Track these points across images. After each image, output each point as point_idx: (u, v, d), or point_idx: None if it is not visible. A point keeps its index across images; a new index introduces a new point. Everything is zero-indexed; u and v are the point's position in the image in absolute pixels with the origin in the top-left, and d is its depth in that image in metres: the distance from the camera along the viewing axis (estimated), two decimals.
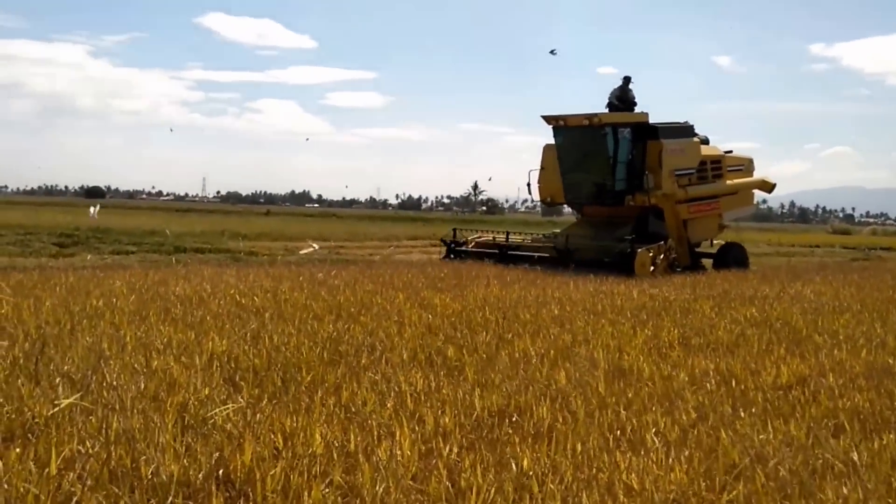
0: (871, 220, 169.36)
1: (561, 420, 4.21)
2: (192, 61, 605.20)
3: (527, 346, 6.36)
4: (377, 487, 3.13)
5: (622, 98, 17.85)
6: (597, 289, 11.10)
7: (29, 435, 3.55)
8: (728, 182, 18.53)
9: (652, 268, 15.08)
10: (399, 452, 3.54)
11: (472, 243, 18.21)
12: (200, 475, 3.20)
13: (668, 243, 16.12)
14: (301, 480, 3.18)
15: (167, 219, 42.11)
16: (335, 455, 3.50)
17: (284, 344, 5.97)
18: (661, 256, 15.61)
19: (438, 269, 13.79)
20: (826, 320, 8.26)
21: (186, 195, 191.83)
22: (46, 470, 3.09)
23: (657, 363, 5.84)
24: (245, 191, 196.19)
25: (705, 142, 18.49)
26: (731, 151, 19.39)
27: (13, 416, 3.74)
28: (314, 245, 23.43)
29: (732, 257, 18.23)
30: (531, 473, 3.36)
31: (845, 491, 3.25)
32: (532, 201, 20.07)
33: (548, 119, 17.52)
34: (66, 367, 4.77)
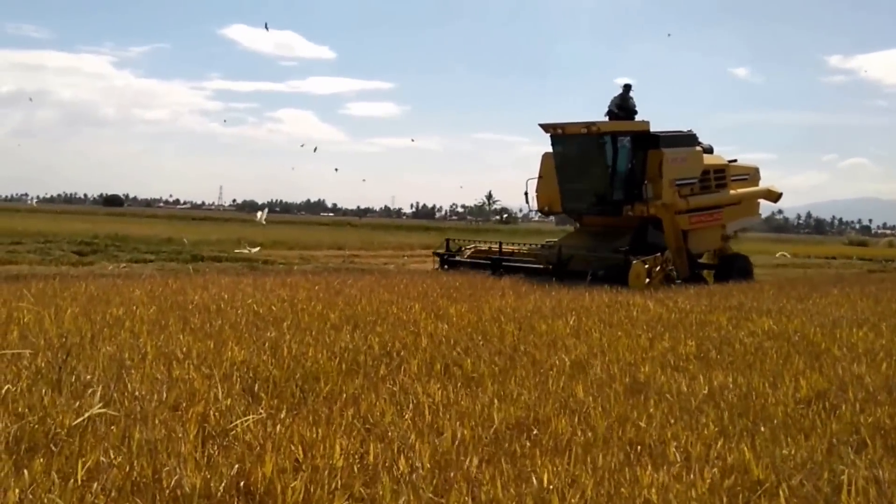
0: (888, 231, 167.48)
1: (580, 433, 4.19)
2: (213, 71, 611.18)
3: (543, 358, 6.35)
4: (398, 501, 3.14)
5: (622, 106, 17.52)
6: (612, 300, 11.07)
7: (52, 445, 3.58)
8: (732, 192, 18.13)
9: (648, 280, 14.63)
10: (419, 465, 3.54)
11: (467, 254, 17.83)
12: (222, 487, 3.22)
13: (665, 255, 15.66)
14: (322, 493, 3.19)
15: (184, 227, 42.48)
16: (355, 468, 3.51)
17: (302, 354, 5.99)
18: (658, 268, 15.14)
19: (453, 278, 13.80)
20: (844, 333, 8.17)
21: (203, 203, 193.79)
22: (71, 480, 3.12)
23: (675, 376, 5.80)
24: (261, 199, 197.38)
25: (709, 151, 18.11)
26: (735, 160, 18.96)
27: (36, 425, 3.78)
28: (251, 249, 23.82)
29: (736, 269, 17.75)
30: (552, 488, 3.34)
31: None
32: (530, 210, 19.88)
33: (546, 127, 17.19)
34: (88, 377, 4.81)
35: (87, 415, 3.81)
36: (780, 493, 3.36)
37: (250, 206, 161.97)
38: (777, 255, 36.34)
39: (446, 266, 17.46)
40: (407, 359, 6.05)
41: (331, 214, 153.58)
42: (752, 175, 19.39)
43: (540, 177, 18.05)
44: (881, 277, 21.40)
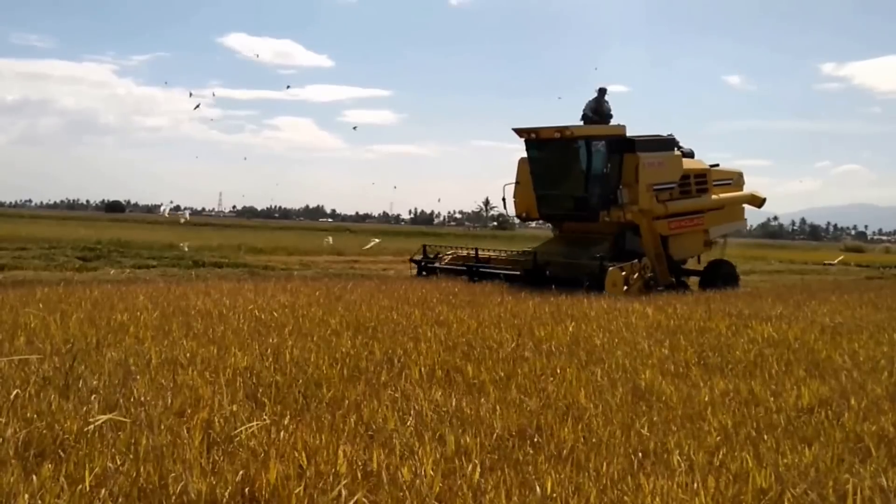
0: (884, 237, 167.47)
1: (583, 441, 4.20)
2: (213, 79, 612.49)
3: (544, 365, 6.36)
4: None
5: (597, 110, 17.29)
6: (611, 306, 11.07)
7: (60, 451, 3.61)
8: (714, 197, 17.81)
9: (625, 287, 14.30)
10: (422, 472, 3.55)
11: (446, 259, 17.51)
12: (227, 493, 3.24)
13: (643, 261, 15.35)
14: (326, 500, 3.20)
15: (185, 233, 42.45)
16: (358, 474, 3.52)
17: (304, 360, 6.01)
18: (636, 275, 14.82)
19: (452, 284, 13.82)
20: (845, 340, 8.18)
21: (203, 209, 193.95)
22: (80, 486, 3.15)
23: (676, 383, 5.81)
24: (260, 205, 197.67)
25: (689, 155, 17.80)
26: (717, 165, 18.68)
27: (44, 431, 3.80)
28: (185, 246, 24.26)
29: (721, 276, 17.46)
30: (555, 496, 3.36)
31: None
32: (507, 216, 19.66)
33: (519, 132, 16.86)
34: (94, 382, 4.83)
35: (97, 422, 3.82)
36: (785, 502, 3.37)
37: (250, 213, 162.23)
38: (834, 263, 35.60)
39: (424, 273, 17.17)
40: (408, 365, 6.07)
41: (330, 220, 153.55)
42: (735, 179, 19.06)
43: (517, 182, 17.74)
44: (880, 284, 21.39)
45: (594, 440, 4.21)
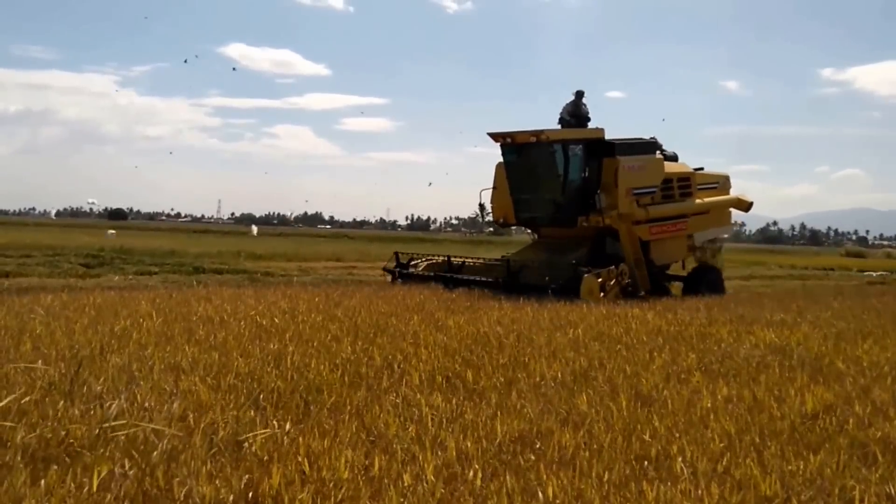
0: (885, 242, 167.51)
1: (584, 447, 4.19)
2: (213, 89, 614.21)
3: (544, 371, 6.35)
4: None
5: (574, 113, 16.86)
6: (610, 311, 11.07)
7: (66, 456, 3.61)
8: (698, 201, 17.39)
9: (602, 294, 13.90)
10: (424, 478, 3.56)
11: (422, 266, 16.97)
12: (231, 498, 3.25)
13: (621, 267, 14.88)
14: None
15: (185, 240, 42.55)
16: (360, 480, 3.53)
17: (305, 366, 6.02)
18: (612, 281, 14.40)
19: (450, 290, 13.81)
20: (848, 346, 8.15)
21: (203, 217, 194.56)
22: (86, 489, 3.15)
23: (678, 389, 5.80)
24: (259, 212, 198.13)
25: (673, 158, 17.40)
26: (702, 168, 18.26)
27: (50, 436, 3.81)
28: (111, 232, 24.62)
29: (705, 282, 17.01)
30: (557, 502, 3.36)
31: None
32: (484, 222, 19.29)
33: (495, 136, 16.33)
34: (99, 388, 4.85)
35: (103, 426, 3.83)
36: None
37: (248, 219, 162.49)
38: (875, 274, 35.41)
39: (400, 279, 16.57)
40: (408, 371, 6.07)
41: (328, 227, 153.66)
42: (721, 183, 18.61)
43: (494, 187, 17.32)
44: (882, 290, 21.32)
45: (595, 446, 4.20)
